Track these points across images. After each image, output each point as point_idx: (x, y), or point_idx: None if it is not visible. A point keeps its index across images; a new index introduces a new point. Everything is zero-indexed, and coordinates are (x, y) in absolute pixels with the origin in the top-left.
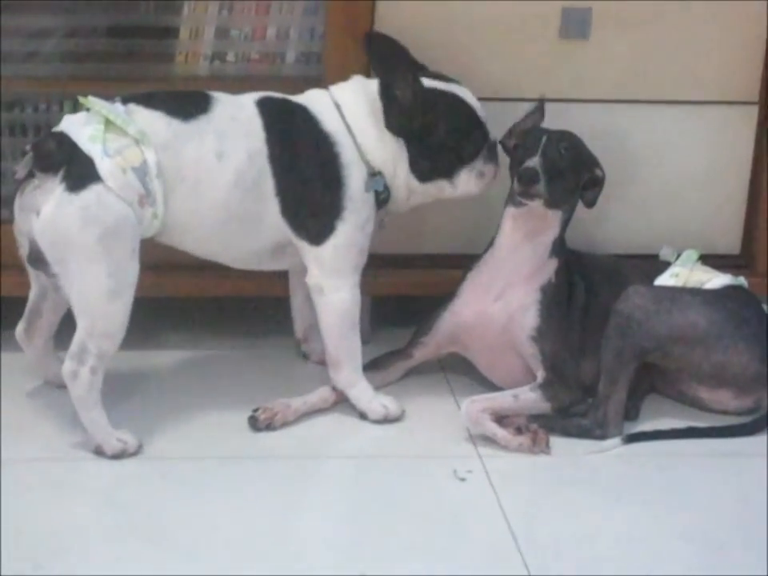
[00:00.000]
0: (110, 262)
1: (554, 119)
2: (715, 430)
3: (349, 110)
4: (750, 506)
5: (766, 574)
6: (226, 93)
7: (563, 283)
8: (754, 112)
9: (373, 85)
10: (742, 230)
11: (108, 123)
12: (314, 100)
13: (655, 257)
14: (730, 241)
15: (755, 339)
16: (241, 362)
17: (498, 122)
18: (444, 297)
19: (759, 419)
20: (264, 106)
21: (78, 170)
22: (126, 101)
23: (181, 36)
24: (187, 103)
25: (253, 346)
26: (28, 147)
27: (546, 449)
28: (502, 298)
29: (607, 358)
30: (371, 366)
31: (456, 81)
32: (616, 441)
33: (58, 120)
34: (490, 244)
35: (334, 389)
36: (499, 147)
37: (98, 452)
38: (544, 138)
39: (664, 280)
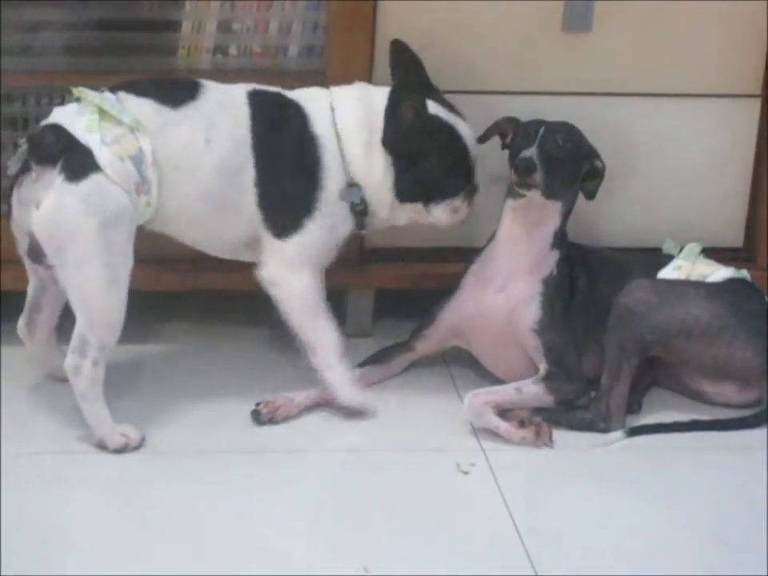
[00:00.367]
0: (108, 252)
1: (557, 112)
2: (718, 423)
3: (342, 117)
4: (752, 499)
5: (767, 567)
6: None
7: (565, 276)
8: (756, 105)
9: (375, 94)
10: (745, 223)
11: (102, 113)
12: (310, 98)
13: (658, 250)
14: (732, 234)
15: (758, 332)
16: (243, 356)
17: (500, 114)
18: (446, 290)
19: (762, 412)
20: (255, 97)
21: (77, 161)
22: (114, 89)
23: (183, 29)
24: (176, 90)
25: (255, 339)
26: (21, 141)
27: (549, 442)
28: (503, 291)
29: (610, 351)
30: (374, 360)
31: (460, 113)
32: (619, 434)
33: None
34: (492, 237)
35: None
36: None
37: (101, 446)
38: (542, 130)
39: (667, 273)
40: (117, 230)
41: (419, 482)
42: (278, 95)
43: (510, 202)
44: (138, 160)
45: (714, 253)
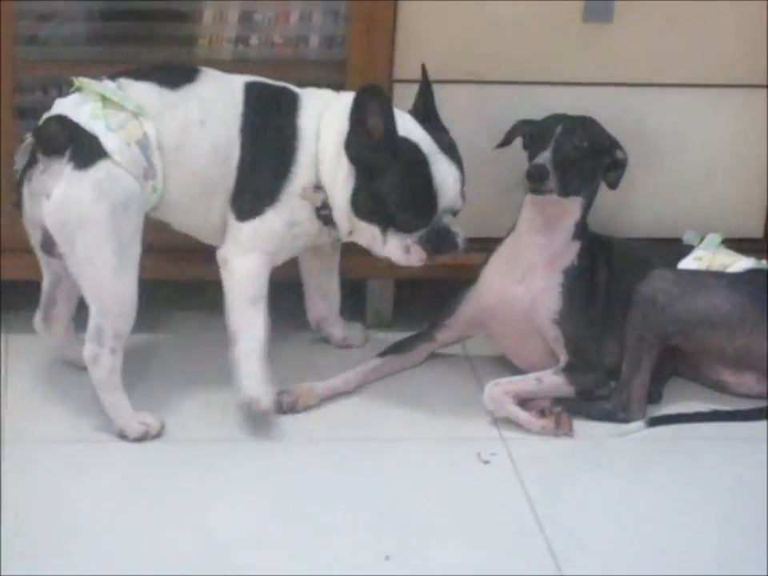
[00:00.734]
0: (119, 239)
1: (578, 102)
2: (738, 414)
3: (329, 118)
4: None
5: None
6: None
7: (586, 266)
8: None
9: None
10: (766, 214)
11: (104, 100)
12: (314, 96)
13: (679, 240)
14: (753, 224)
15: None
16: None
17: (521, 105)
18: (467, 280)
19: None
20: (252, 85)
21: (85, 149)
22: (113, 77)
23: (204, 20)
24: (176, 73)
25: (274, 329)
26: (27, 135)
27: (570, 432)
28: (524, 282)
29: (630, 342)
30: (394, 349)
31: (452, 153)
32: (639, 424)
33: None
34: (512, 228)
35: (358, 372)
36: None
37: (121, 435)
38: (558, 129)
39: (687, 263)
40: (127, 217)
41: (440, 472)
42: (279, 87)
43: (530, 197)
44: (143, 145)
45: (734, 243)
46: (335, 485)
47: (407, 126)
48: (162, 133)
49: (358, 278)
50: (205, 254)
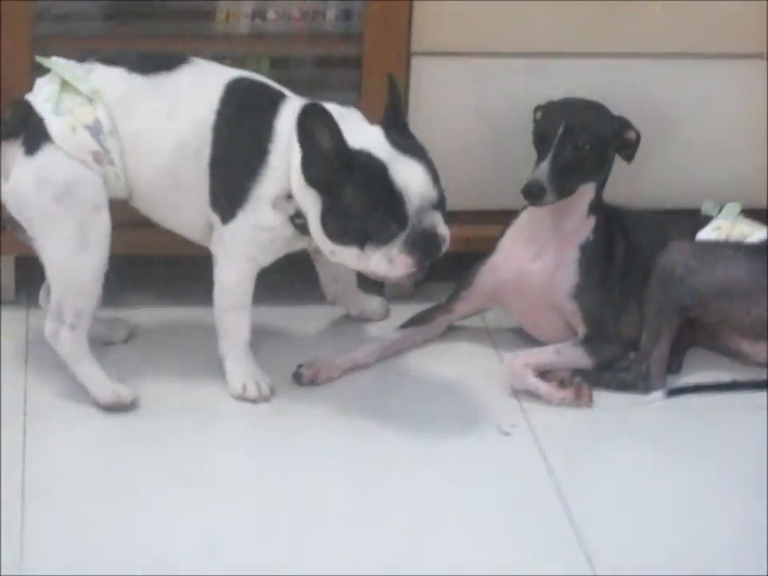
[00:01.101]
0: (71, 222)
1: (596, 75)
2: (758, 383)
3: None
4: None
5: None
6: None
7: (602, 240)
8: None
9: (362, 124)
10: None
11: (64, 83)
12: (300, 102)
13: (697, 211)
14: None
15: None
16: (284, 320)
17: (539, 77)
18: (485, 253)
19: None
20: (236, 82)
21: (34, 133)
22: (100, 60)
23: None
24: (155, 61)
25: (293, 301)
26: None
27: (590, 403)
28: (540, 258)
29: (650, 313)
30: (414, 321)
31: (424, 160)
32: (659, 394)
33: None
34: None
35: (378, 345)
36: None
37: (95, 404)
38: (560, 130)
39: (706, 234)
40: (76, 200)
41: (460, 444)
42: (264, 86)
43: None
44: (94, 130)
45: (753, 213)
46: (354, 458)
47: (359, 137)
48: (119, 118)
49: None
50: None
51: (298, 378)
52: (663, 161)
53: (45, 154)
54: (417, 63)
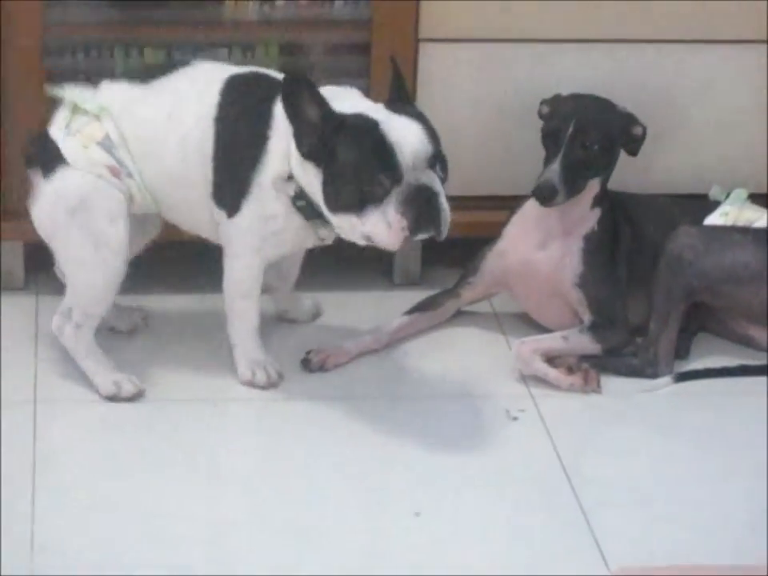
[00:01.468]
0: (86, 236)
1: (602, 61)
2: (766, 368)
3: None
4: None
5: None
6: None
7: (608, 230)
8: None
9: (362, 103)
10: None
11: (75, 107)
12: None
13: (704, 196)
14: None
15: None
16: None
17: (547, 64)
18: (492, 238)
19: None
20: (236, 77)
21: (50, 158)
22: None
23: None
24: (157, 70)
25: (303, 290)
26: None
27: (598, 388)
28: (545, 248)
29: (657, 298)
30: (421, 307)
31: (421, 120)
32: (667, 379)
33: (110, 66)
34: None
35: (386, 330)
36: None
37: (98, 393)
38: (570, 130)
39: (713, 219)
40: (90, 213)
41: (469, 429)
42: (262, 76)
43: None
44: (106, 145)
45: (760, 198)
46: (363, 442)
47: (347, 103)
48: (126, 127)
49: None
50: None
51: (306, 364)
52: (670, 146)
53: (60, 174)
54: (425, 49)
